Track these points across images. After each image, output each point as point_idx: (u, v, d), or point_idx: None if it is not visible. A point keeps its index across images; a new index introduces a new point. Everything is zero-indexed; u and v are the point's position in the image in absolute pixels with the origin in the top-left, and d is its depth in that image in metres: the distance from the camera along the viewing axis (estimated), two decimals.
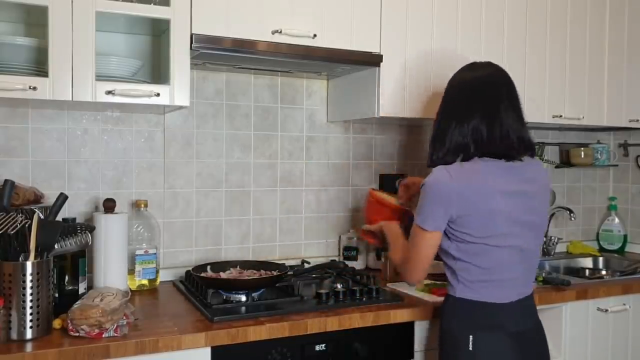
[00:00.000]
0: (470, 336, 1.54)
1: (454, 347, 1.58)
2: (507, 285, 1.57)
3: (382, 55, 2.05)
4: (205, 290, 1.78)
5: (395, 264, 1.74)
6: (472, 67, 1.67)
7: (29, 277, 1.45)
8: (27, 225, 1.46)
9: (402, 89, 2.11)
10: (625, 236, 2.96)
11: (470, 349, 1.54)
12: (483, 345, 1.54)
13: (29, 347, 1.40)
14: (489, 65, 1.66)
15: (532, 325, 1.63)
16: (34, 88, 1.59)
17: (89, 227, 1.68)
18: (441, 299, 1.85)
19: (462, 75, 1.66)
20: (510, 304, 1.57)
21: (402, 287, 2.04)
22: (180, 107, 1.84)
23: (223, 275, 1.91)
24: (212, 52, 1.82)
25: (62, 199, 1.59)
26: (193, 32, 1.76)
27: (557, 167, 2.93)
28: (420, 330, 1.83)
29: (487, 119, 1.56)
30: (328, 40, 1.95)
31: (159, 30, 1.97)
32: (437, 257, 2.28)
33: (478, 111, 1.57)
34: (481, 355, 1.54)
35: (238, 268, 2.00)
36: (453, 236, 1.56)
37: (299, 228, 2.40)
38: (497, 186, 1.54)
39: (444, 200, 1.52)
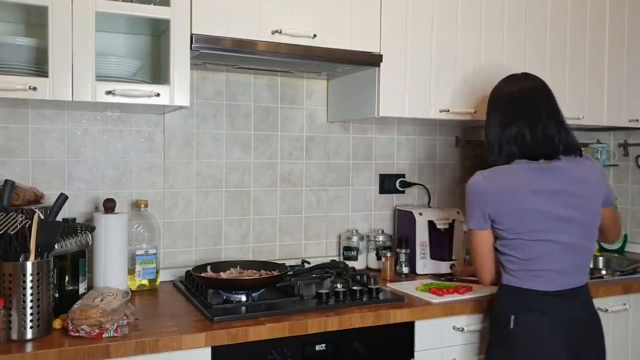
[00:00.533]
0: (512, 316, 1.69)
1: (498, 326, 1.75)
2: (550, 276, 1.70)
3: (382, 55, 2.05)
4: (205, 290, 1.78)
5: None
6: (516, 78, 1.85)
7: (29, 277, 1.45)
8: (27, 226, 1.46)
9: (402, 89, 2.11)
10: (625, 236, 2.95)
11: (511, 327, 1.69)
12: (522, 324, 1.68)
13: (29, 347, 1.40)
14: (532, 77, 1.85)
15: (585, 315, 1.74)
16: (34, 88, 1.59)
17: (89, 227, 1.68)
18: (440, 299, 1.86)
19: (508, 87, 1.83)
20: (555, 293, 1.69)
21: (402, 287, 2.04)
22: (180, 107, 1.84)
23: (223, 275, 1.91)
24: (212, 52, 1.82)
25: (62, 199, 1.59)
26: (193, 32, 1.76)
27: None
28: (420, 330, 1.83)
29: (529, 125, 1.73)
30: (328, 40, 1.95)
31: (159, 30, 1.97)
32: (434, 257, 2.30)
33: (521, 118, 1.74)
34: (520, 333, 1.68)
35: (238, 268, 2.00)
36: (495, 232, 1.75)
37: (299, 228, 2.40)
38: (529, 186, 1.69)
39: (480, 202, 1.72)
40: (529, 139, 1.72)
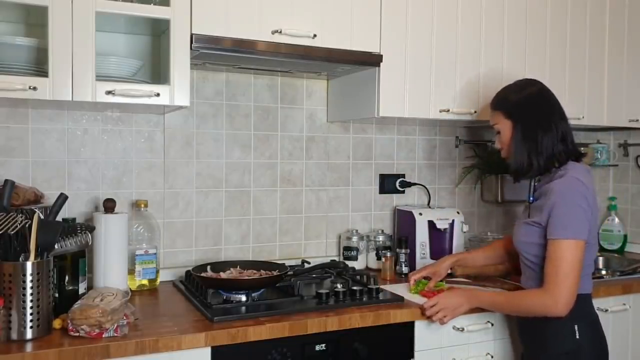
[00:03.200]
0: (576, 325, 1.67)
1: (561, 338, 1.68)
2: (590, 277, 1.76)
3: (382, 55, 2.05)
4: (205, 290, 1.78)
5: (531, 309, 1.68)
6: (530, 82, 1.84)
7: (29, 277, 1.45)
8: (27, 226, 1.46)
9: (402, 89, 2.11)
10: (625, 236, 2.95)
11: (577, 337, 1.67)
12: (586, 332, 1.68)
13: (29, 347, 1.40)
14: (533, 81, 1.84)
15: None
16: (34, 88, 1.59)
17: (89, 227, 1.68)
18: None
19: (528, 91, 1.79)
20: (591, 293, 1.76)
21: (401, 288, 2.04)
22: (180, 107, 1.84)
23: (223, 275, 1.91)
24: (212, 52, 1.82)
25: (62, 199, 1.59)
26: (193, 32, 1.76)
27: None
28: (420, 330, 1.83)
29: (563, 124, 1.75)
30: (328, 40, 1.95)
31: (159, 30, 1.97)
32: (435, 257, 2.29)
33: (557, 118, 1.75)
34: (586, 342, 1.67)
35: (238, 268, 2.00)
36: None
37: (299, 228, 2.40)
38: (594, 187, 1.71)
39: (587, 209, 1.63)
40: (569, 138, 1.74)
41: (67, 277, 1.70)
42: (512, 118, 1.78)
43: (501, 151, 1.85)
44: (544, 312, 1.64)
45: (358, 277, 2.09)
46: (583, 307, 1.69)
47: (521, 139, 1.75)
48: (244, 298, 1.79)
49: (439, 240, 2.35)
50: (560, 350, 1.68)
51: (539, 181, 1.80)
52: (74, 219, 1.83)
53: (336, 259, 2.41)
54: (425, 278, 2.02)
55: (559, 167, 1.73)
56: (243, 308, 1.72)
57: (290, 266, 2.10)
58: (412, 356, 1.82)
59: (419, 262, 2.30)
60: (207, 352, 1.55)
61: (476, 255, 2.13)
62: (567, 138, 1.75)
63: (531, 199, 1.80)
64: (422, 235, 2.32)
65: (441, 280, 2.05)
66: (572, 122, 2.46)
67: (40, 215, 1.52)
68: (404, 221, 2.40)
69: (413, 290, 1.98)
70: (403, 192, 2.59)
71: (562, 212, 1.62)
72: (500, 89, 1.87)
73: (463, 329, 1.87)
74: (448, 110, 2.18)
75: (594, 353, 1.70)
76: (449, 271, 2.21)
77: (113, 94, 1.68)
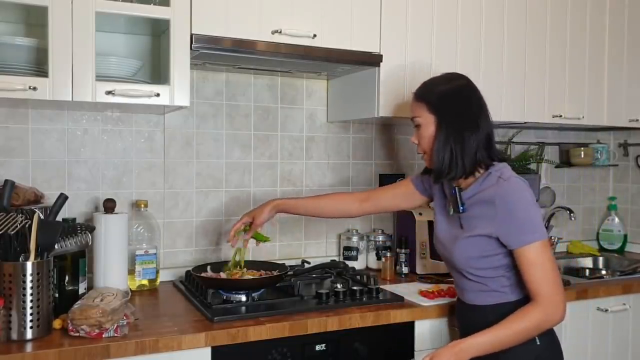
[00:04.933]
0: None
1: (522, 346, 1.53)
2: None
3: (381, 55, 2.05)
4: (205, 290, 1.78)
5: (534, 328, 1.51)
6: (453, 76, 1.65)
7: (29, 278, 1.45)
8: (27, 226, 1.46)
9: (402, 89, 2.11)
10: (625, 236, 2.96)
11: (538, 343, 1.55)
12: (545, 337, 1.56)
13: (29, 347, 1.40)
14: (462, 75, 1.66)
15: None
16: (34, 88, 1.59)
17: (89, 227, 1.68)
18: (430, 302, 1.85)
19: (456, 83, 1.62)
20: None
21: (402, 288, 2.04)
22: (180, 107, 1.84)
23: (223, 275, 1.91)
24: (212, 52, 1.82)
25: (62, 199, 1.59)
26: (193, 32, 1.76)
27: (557, 167, 2.93)
28: (420, 330, 1.83)
29: (489, 124, 1.59)
30: (328, 40, 1.95)
31: (159, 30, 1.97)
32: (435, 257, 2.29)
33: (484, 117, 1.58)
34: (546, 347, 1.57)
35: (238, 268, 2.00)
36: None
37: (299, 228, 2.40)
38: None
39: (538, 206, 1.53)
40: (493, 140, 1.59)
41: (67, 277, 1.70)
42: (437, 112, 1.58)
43: (418, 148, 1.68)
44: (549, 325, 1.52)
45: (358, 277, 2.09)
46: None
47: (445, 136, 1.56)
48: (244, 298, 1.79)
49: None
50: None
51: (463, 189, 1.60)
52: (74, 219, 1.83)
53: (336, 259, 2.41)
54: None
55: (481, 172, 1.58)
56: (243, 308, 1.72)
57: (290, 266, 2.10)
58: (412, 356, 1.82)
59: (419, 262, 2.30)
60: (207, 352, 1.55)
61: (306, 203, 1.92)
62: (491, 140, 1.59)
63: (461, 208, 1.60)
64: (422, 235, 2.32)
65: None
66: (572, 122, 2.50)
67: (40, 215, 1.52)
68: (404, 221, 2.40)
69: (234, 243, 1.83)
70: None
71: (524, 217, 1.49)
72: (427, 80, 1.67)
73: None
74: None
75: (554, 355, 1.61)
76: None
77: (113, 94, 1.68)
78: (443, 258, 1.72)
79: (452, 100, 1.59)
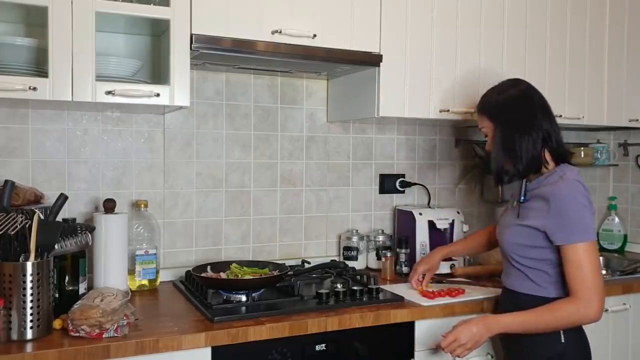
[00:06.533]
0: (561, 330, 1.62)
1: (546, 343, 1.64)
2: None
3: (382, 55, 2.05)
4: (206, 290, 1.78)
5: (565, 321, 1.60)
6: (508, 84, 1.77)
7: (29, 278, 1.45)
8: (27, 226, 1.46)
9: (402, 89, 2.11)
10: (625, 236, 2.96)
11: (563, 341, 1.63)
12: (571, 335, 1.64)
13: (29, 347, 1.40)
14: (521, 80, 1.78)
15: None
16: (34, 88, 1.59)
17: (89, 227, 1.68)
18: (431, 302, 1.85)
19: (508, 92, 1.74)
20: None
21: (401, 288, 2.04)
22: (180, 108, 1.84)
23: (223, 275, 1.91)
24: (212, 52, 1.82)
25: (62, 199, 1.59)
26: (193, 32, 1.76)
27: None
28: (420, 330, 1.83)
29: (547, 123, 1.69)
30: (328, 40, 1.95)
31: (159, 31, 1.97)
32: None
33: (539, 119, 1.68)
34: (572, 345, 1.64)
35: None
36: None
37: (299, 228, 2.40)
38: None
39: (591, 209, 1.60)
40: (555, 139, 1.70)
41: (67, 278, 1.70)
42: (494, 120, 1.73)
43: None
44: (580, 322, 1.60)
45: (358, 277, 2.09)
46: None
47: (500, 142, 1.70)
48: (244, 298, 1.79)
49: (439, 240, 2.34)
50: (545, 354, 1.65)
51: (530, 181, 1.73)
52: (74, 219, 1.83)
53: (336, 259, 2.41)
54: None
55: (549, 169, 1.70)
56: (243, 308, 1.72)
57: (290, 266, 2.10)
58: (412, 356, 1.83)
59: None
60: (207, 352, 1.55)
61: (460, 246, 2.12)
62: (551, 139, 1.69)
63: (522, 198, 1.72)
64: (422, 235, 2.32)
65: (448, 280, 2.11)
66: (572, 122, 2.50)
67: (41, 215, 1.52)
68: (404, 221, 2.40)
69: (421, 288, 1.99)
70: (403, 192, 2.59)
71: (574, 216, 1.57)
72: (486, 91, 1.82)
73: None
74: (448, 110, 2.18)
75: (579, 354, 1.67)
76: (449, 271, 2.23)
77: (113, 94, 1.68)
78: (498, 243, 1.82)
79: (505, 108, 1.72)
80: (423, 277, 2.02)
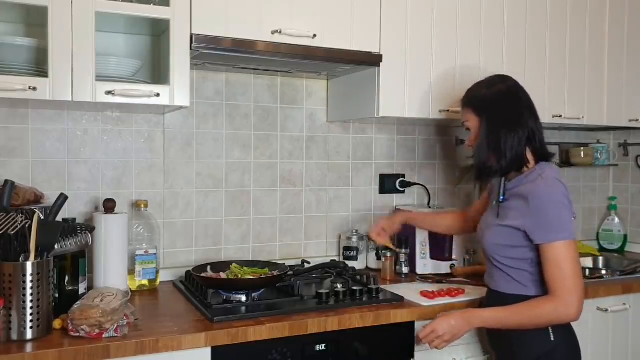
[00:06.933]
0: (550, 328, 1.62)
1: (536, 341, 1.63)
2: None
3: (381, 55, 2.05)
4: (206, 290, 1.78)
5: (543, 319, 1.59)
6: (495, 80, 1.74)
7: (29, 278, 1.45)
8: (27, 226, 1.46)
9: (402, 89, 2.11)
10: (625, 236, 2.96)
11: (552, 339, 1.62)
12: (561, 333, 1.63)
13: (29, 347, 1.40)
14: (508, 76, 1.75)
15: None
16: (34, 88, 1.59)
17: (89, 227, 1.68)
18: (431, 302, 1.85)
19: (496, 87, 1.71)
20: None
21: (401, 288, 2.04)
22: (180, 108, 1.84)
23: (223, 275, 1.91)
24: (212, 52, 1.82)
25: (62, 199, 1.59)
26: (193, 32, 1.76)
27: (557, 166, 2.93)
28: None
29: (532, 122, 1.67)
30: (328, 40, 1.95)
31: (159, 31, 1.97)
32: (434, 257, 2.29)
33: (526, 117, 1.67)
34: (561, 343, 1.62)
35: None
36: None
37: (299, 228, 2.40)
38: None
39: (570, 207, 1.59)
40: (538, 138, 1.68)
41: (67, 277, 1.70)
42: (480, 114, 1.70)
43: (471, 149, 1.77)
44: (559, 321, 1.59)
45: (358, 277, 2.09)
46: None
47: (485, 137, 1.68)
48: (244, 298, 1.79)
49: (439, 240, 2.34)
50: (534, 353, 1.63)
51: (509, 181, 1.71)
52: (74, 219, 1.83)
53: (336, 259, 2.41)
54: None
55: (529, 167, 1.68)
56: (243, 308, 1.72)
57: (290, 266, 2.10)
58: (412, 356, 1.83)
59: (419, 262, 2.30)
60: (207, 352, 1.55)
61: (426, 218, 2.15)
62: (535, 138, 1.67)
63: (501, 198, 1.70)
64: (422, 235, 2.32)
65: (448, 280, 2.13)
66: (572, 122, 2.50)
67: (41, 215, 1.52)
68: None
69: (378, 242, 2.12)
70: (403, 192, 2.59)
71: (553, 215, 1.56)
72: (473, 85, 1.78)
73: None
74: (448, 110, 2.18)
75: (569, 353, 1.66)
76: (449, 271, 2.23)
77: (113, 94, 1.68)
78: (480, 244, 1.80)
79: (492, 103, 1.69)
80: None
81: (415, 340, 1.79)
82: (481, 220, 1.82)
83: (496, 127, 1.66)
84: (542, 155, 1.69)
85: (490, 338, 1.81)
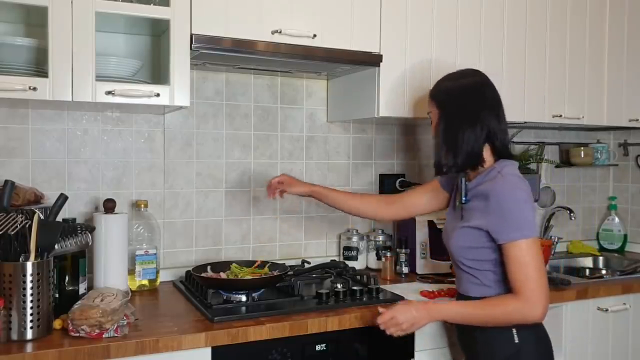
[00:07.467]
0: (514, 329, 1.56)
1: (499, 343, 1.58)
2: None
3: (381, 55, 2.05)
4: (206, 290, 1.78)
5: (507, 318, 1.54)
6: (464, 73, 1.69)
7: (29, 278, 1.45)
8: (27, 226, 1.46)
9: (402, 89, 2.11)
10: (625, 236, 2.96)
11: (516, 341, 1.56)
12: (526, 335, 1.56)
13: (29, 347, 1.40)
14: (478, 72, 1.69)
15: None
16: (34, 88, 1.59)
17: (89, 227, 1.68)
18: (433, 302, 1.84)
19: (459, 81, 1.67)
20: None
21: (402, 288, 2.04)
22: (180, 107, 1.84)
23: (223, 275, 1.91)
24: (212, 52, 1.82)
25: (62, 199, 1.59)
26: (193, 32, 1.76)
27: (557, 166, 2.93)
28: (420, 330, 1.83)
29: (494, 120, 1.61)
30: (328, 40, 1.95)
31: (159, 30, 1.97)
32: (434, 257, 2.29)
33: (485, 115, 1.60)
34: (526, 345, 1.56)
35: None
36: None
37: (299, 228, 2.40)
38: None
39: (532, 204, 1.54)
40: (500, 137, 1.61)
41: (67, 278, 1.70)
42: (440, 108, 1.66)
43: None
44: (524, 320, 1.52)
45: (358, 277, 2.09)
46: None
47: (443, 130, 1.63)
48: (244, 298, 1.79)
49: (439, 240, 2.34)
50: (498, 356, 1.58)
51: (469, 181, 1.65)
52: (74, 219, 1.83)
53: (336, 259, 2.41)
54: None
55: (485, 166, 1.62)
56: (243, 308, 1.72)
57: (290, 266, 2.10)
58: (412, 356, 1.83)
59: (419, 262, 2.30)
60: (207, 352, 1.55)
61: (337, 197, 1.96)
62: (495, 137, 1.60)
63: (464, 199, 1.64)
64: (422, 235, 2.32)
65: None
66: (572, 122, 2.50)
67: (41, 215, 1.52)
68: (404, 221, 2.39)
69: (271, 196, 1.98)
70: (403, 192, 2.59)
71: (513, 213, 1.51)
72: (444, 76, 1.73)
73: None
74: None
75: (536, 355, 1.58)
76: (449, 271, 2.21)
77: (113, 94, 1.68)
78: (446, 247, 1.74)
79: (453, 97, 1.65)
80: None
81: (374, 322, 1.70)
82: (446, 223, 1.77)
83: (453, 123, 1.61)
84: (503, 155, 1.63)
85: (459, 340, 1.75)
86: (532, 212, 1.54)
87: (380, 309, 1.62)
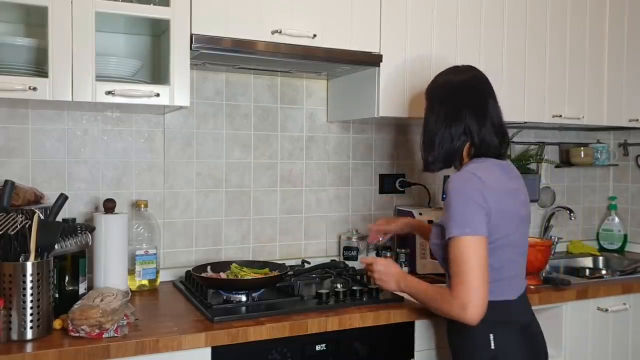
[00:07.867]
0: (491, 334, 1.54)
1: (475, 348, 1.56)
2: (513, 282, 1.60)
3: (381, 56, 2.05)
4: (206, 291, 1.78)
5: (442, 311, 1.54)
6: (456, 70, 1.68)
7: (29, 278, 1.45)
8: (27, 226, 1.46)
9: (402, 89, 2.11)
10: (625, 236, 2.96)
11: (492, 347, 1.54)
12: (503, 342, 1.54)
13: (29, 347, 1.40)
14: (471, 68, 1.68)
15: (533, 317, 1.66)
16: (34, 88, 1.59)
17: (89, 227, 1.68)
18: None
19: (447, 78, 1.67)
20: (517, 299, 1.60)
21: None
22: (180, 108, 1.84)
23: (223, 275, 1.91)
24: (212, 52, 1.82)
25: (62, 199, 1.59)
26: (193, 32, 1.76)
27: (557, 166, 2.93)
28: (420, 330, 1.83)
29: (476, 119, 1.59)
30: (328, 40, 1.95)
31: (159, 31, 1.97)
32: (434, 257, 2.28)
33: (465, 114, 1.59)
34: (502, 351, 1.53)
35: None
36: None
37: (299, 228, 2.40)
38: (504, 185, 1.56)
39: (480, 200, 1.47)
40: (480, 137, 1.58)
41: (67, 278, 1.70)
42: (427, 102, 1.67)
43: None
44: (456, 318, 1.49)
45: (358, 277, 2.08)
46: (501, 315, 1.54)
47: (427, 125, 1.64)
48: (244, 298, 1.79)
49: None
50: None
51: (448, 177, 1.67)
52: (74, 219, 1.83)
53: (336, 259, 2.41)
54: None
55: (462, 164, 1.61)
56: (243, 308, 1.72)
57: (290, 266, 2.10)
58: (412, 356, 1.83)
59: (419, 262, 2.30)
60: (207, 352, 1.55)
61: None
62: (474, 135, 1.58)
63: (443, 196, 1.66)
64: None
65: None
66: (572, 122, 2.50)
67: (41, 215, 1.52)
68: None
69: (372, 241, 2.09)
70: (403, 192, 2.59)
71: (457, 208, 1.47)
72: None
73: None
74: None
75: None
76: None
77: (113, 94, 1.68)
78: None
79: (439, 92, 1.66)
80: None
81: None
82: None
83: (434, 120, 1.62)
84: (485, 154, 1.60)
85: (447, 335, 1.72)
86: (479, 210, 1.47)
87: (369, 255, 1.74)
